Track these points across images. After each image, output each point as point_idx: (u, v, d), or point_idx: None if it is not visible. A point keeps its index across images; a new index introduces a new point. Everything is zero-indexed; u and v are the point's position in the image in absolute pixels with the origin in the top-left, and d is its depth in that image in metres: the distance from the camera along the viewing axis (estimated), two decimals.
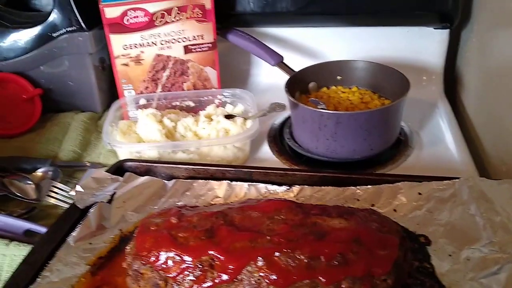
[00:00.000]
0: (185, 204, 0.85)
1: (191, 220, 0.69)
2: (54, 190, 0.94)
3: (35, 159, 1.02)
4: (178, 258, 0.64)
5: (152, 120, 1.02)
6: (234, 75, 1.29)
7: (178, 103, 1.13)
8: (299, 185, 0.86)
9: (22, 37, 1.15)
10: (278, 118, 1.15)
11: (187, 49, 1.11)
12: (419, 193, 0.81)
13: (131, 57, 1.10)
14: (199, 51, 1.11)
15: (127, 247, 0.70)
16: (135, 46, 1.09)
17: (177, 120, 1.05)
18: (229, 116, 1.06)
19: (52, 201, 0.93)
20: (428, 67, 1.24)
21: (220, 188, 0.89)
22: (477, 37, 1.14)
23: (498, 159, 0.94)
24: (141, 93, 1.14)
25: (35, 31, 1.14)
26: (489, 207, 0.75)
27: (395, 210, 0.80)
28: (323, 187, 0.85)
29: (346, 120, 0.90)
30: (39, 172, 0.96)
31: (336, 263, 0.61)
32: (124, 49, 1.09)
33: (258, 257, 0.61)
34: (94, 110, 1.21)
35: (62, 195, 0.93)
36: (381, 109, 0.92)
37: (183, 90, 1.15)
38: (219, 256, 0.63)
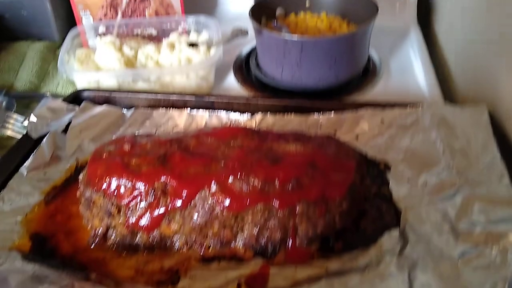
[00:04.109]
0: (144, 133, 0.82)
1: (144, 147, 0.67)
2: (9, 121, 0.90)
3: None
4: (130, 184, 0.62)
5: (110, 48, 0.96)
6: (199, 3, 1.23)
7: (140, 31, 1.07)
8: (261, 113, 0.84)
9: None
10: (245, 48, 1.11)
11: None
12: (381, 121, 0.80)
13: None
14: None
15: (80, 175, 0.68)
16: None
17: (138, 48, 1.00)
18: (192, 45, 1.01)
19: (8, 132, 0.89)
20: None
21: (180, 117, 0.86)
22: None
23: (465, 86, 0.93)
24: (100, 20, 1.08)
25: None
26: (449, 132, 0.73)
27: (356, 138, 0.79)
28: (285, 115, 0.84)
29: (311, 46, 0.86)
30: None
31: (290, 187, 0.60)
32: None
33: (212, 182, 0.60)
34: (52, 39, 1.15)
35: (17, 126, 0.89)
36: (347, 35, 0.88)
37: (144, 17, 1.09)
38: (172, 181, 0.61)
